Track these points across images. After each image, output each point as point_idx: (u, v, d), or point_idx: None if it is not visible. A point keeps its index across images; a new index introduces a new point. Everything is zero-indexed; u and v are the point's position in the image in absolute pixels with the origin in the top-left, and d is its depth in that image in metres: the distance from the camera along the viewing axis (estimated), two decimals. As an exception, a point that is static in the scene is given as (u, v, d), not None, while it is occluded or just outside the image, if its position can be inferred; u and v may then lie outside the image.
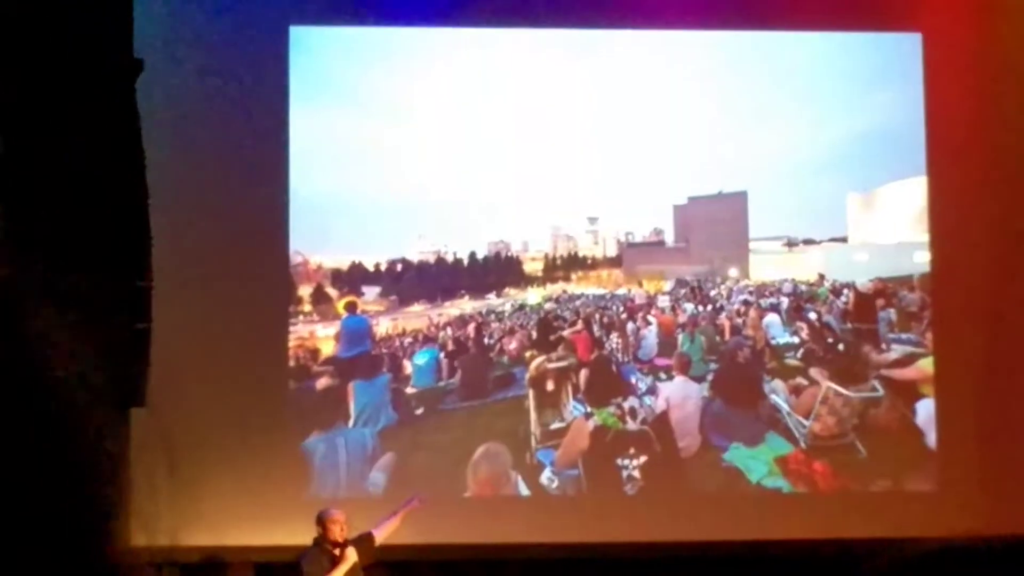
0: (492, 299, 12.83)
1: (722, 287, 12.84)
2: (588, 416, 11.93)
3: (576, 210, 12.93)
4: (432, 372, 12.21)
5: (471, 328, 12.54)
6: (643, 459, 11.83)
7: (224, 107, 11.70)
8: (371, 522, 9.75)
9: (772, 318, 12.50)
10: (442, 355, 12.32)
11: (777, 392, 12.10)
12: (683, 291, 12.81)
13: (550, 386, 12.05)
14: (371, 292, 12.63)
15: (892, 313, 12.38)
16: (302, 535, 9.63)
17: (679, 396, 12.05)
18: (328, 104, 12.17)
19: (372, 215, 12.32)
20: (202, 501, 10.89)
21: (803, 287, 12.75)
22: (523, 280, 12.93)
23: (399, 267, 12.73)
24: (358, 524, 9.59)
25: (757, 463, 11.88)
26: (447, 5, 12.17)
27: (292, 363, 11.96)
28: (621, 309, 12.65)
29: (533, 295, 12.91)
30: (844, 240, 12.81)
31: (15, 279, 1.02)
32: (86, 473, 0.98)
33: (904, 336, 12.29)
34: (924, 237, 12.33)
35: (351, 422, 11.84)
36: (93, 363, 1.04)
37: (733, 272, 12.88)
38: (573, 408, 11.98)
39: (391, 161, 12.26)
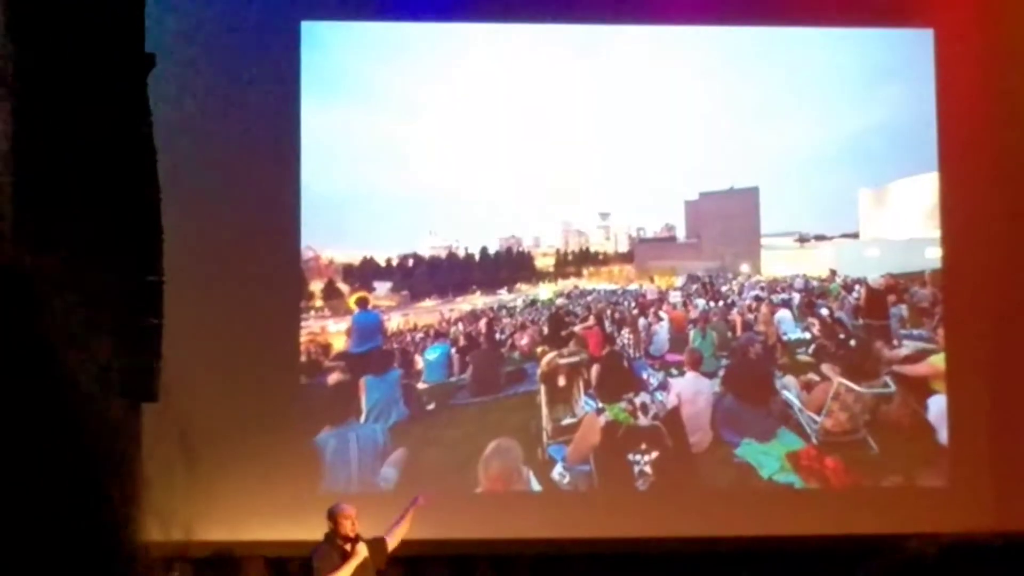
0: (503, 294, 12.83)
1: (733, 283, 12.83)
2: (599, 412, 11.94)
3: (588, 206, 12.94)
4: (443, 367, 12.22)
5: (482, 323, 12.54)
6: (654, 455, 11.83)
7: (236, 103, 11.71)
8: (382, 517, 9.76)
9: (784, 314, 12.50)
10: (453, 351, 12.32)
11: (789, 388, 12.10)
12: (694, 287, 12.80)
13: (562, 382, 12.06)
14: (382, 287, 12.63)
15: (904, 309, 12.37)
16: (313, 530, 9.64)
17: (690, 392, 12.05)
18: (340, 100, 12.19)
19: (383, 210, 12.33)
20: (213, 496, 10.90)
21: (815, 283, 12.74)
22: (534, 275, 12.94)
23: (410, 262, 12.74)
24: (369, 519, 9.60)
25: (769, 459, 11.88)
26: (459, 0, 12.17)
27: (303, 358, 11.97)
28: (633, 305, 12.65)
29: (545, 291, 12.91)
30: (855, 236, 12.80)
31: (30, 270, 1.02)
32: (103, 467, 0.99)
33: (916, 332, 12.28)
34: (936, 233, 12.31)
35: (362, 417, 11.85)
36: (108, 357, 1.04)
37: (744, 268, 12.87)
38: (584, 404, 11.99)
39: (403, 157, 12.27)
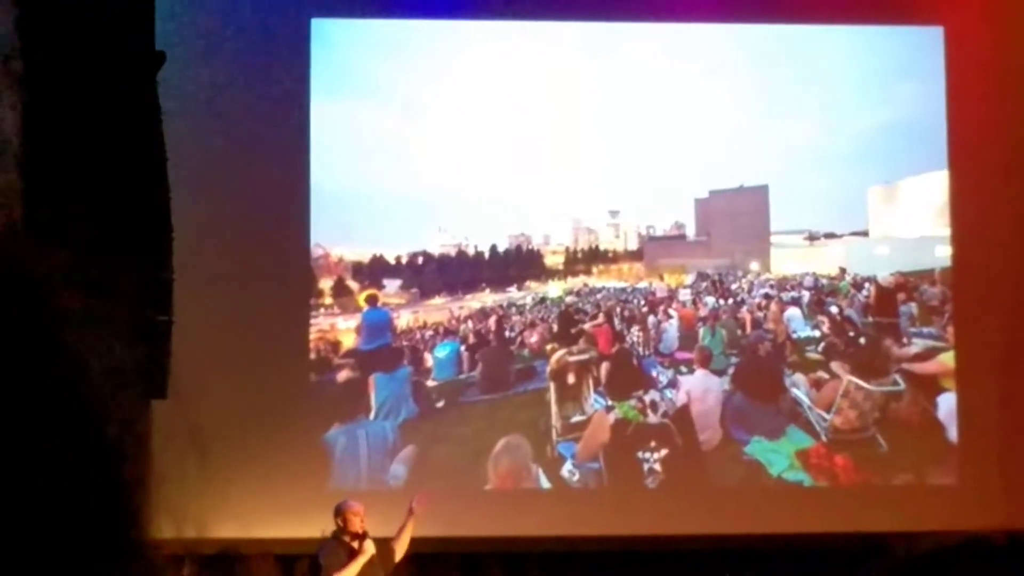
0: (513, 292, 12.83)
1: (743, 281, 12.82)
2: (609, 409, 11.93)
3: (597, 203, 12.93)
4: (453, 365, 12.22)
5: (492, 321, 12.54)
6: (664, 452, 11.82)
7: (245, 100, 11.71)
8: (391, 515, 9.76)
9: (793, 312, 12.49)
10: (463, 348, 12.33)
11: (798, 386, 12.09)
12: (704, 284, 12.79)
13: (571, 379, 12.05)
14: (392, 285, 12.64)
15: (913, 307, 12.35)
16: (322, 527, 9.64)
17: (700, 389, 12.04)
18: (350, 97, 12.19)
19: (393, 208, 12.33)
20: (222, 493, 10.93)
21: (824, 281, 12.73)
22: (544, 273, 12.93)
23: (420, 260, 12.74)
24: (379, 516, 9.59)
25: (778, 456, 11.87)
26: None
27: (313, 356, 11.98)
28: (642, 302, 12.64)
29: (554, 288, 12.91)
30: (865, 234, 12.78)
31: (42, 267, 1.03)
32: (116, 463, 0.99)
33: (925, 330, 12.26)
34: (945, 231, 12.30)
35: (372, 415, 11.85)
36: (118, 353, 1.05)
37: (754, 266, 12.85)
38: (594, 401, 11.98)
39: (412, 154, 12.27)
